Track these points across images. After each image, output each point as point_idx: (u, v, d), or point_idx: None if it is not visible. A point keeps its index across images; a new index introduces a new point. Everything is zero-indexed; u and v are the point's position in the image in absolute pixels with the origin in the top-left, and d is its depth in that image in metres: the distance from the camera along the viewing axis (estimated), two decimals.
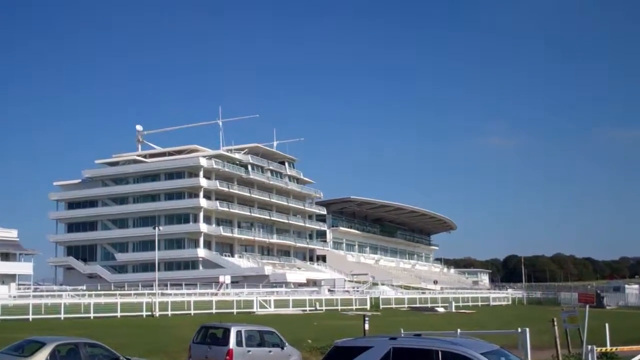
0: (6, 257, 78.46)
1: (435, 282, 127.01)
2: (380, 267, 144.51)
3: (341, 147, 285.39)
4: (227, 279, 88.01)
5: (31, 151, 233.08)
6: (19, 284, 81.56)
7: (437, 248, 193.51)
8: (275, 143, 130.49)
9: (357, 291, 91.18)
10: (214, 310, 55.79)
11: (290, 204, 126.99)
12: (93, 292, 73.71)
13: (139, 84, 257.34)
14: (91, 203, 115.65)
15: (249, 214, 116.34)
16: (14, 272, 77.93)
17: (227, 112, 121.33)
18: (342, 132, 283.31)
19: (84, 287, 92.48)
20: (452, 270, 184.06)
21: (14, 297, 69.11)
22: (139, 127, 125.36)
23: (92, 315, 48.98)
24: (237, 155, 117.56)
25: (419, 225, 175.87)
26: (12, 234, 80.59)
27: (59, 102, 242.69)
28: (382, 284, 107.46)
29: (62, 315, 47.43)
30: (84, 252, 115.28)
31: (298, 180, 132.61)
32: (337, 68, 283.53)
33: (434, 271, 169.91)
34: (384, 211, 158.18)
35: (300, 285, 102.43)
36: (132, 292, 79.48)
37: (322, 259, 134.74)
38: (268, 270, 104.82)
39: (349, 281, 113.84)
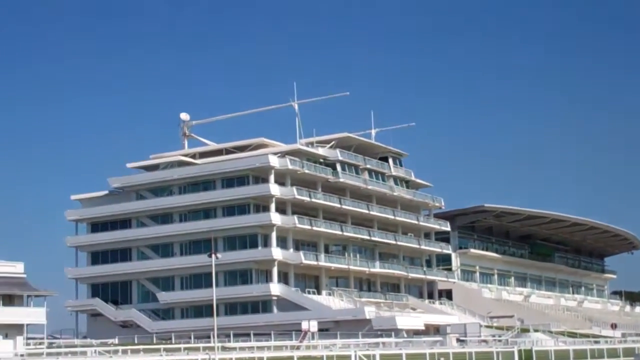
0: (10, 300, 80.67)
1: (614, 326, 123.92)
2: (531, 306, 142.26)
3: (468, 135, 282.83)
4: (313, 326, 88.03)
5: (39, 156, 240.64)
6: (27, 338, 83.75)
7: (614, 277, 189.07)
8: (373, 131, 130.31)
9: (499, 341, 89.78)
10: None
11: (397, 218, 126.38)
12: (128, 347, 75.01)
13: (181, 58, 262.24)
14: (122, 223, 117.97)
15: (339, 232, 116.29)
16: (20, 322, 79.99)
17: (303, 91, 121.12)
18: (469, 114, 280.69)
19: (116, 341, 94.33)
20: (639, 309, 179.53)
21: (22, 355, 70.99)
22: (184, 116, 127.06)
23: None
24: (320, 151, 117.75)
25: (587, 244, 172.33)
26: (16, 269, 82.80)
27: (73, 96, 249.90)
28: (536, 330, 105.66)
29: None
30: (115, 292, 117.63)
31: (408, 184, 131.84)
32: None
33: (610, 310, 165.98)
34: (535, 224, 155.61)
35: (417, 333, 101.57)
36: (182, 345, 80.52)
37: (447, 295, 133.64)
38: (369, 312, 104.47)
39: (487, 326, 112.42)
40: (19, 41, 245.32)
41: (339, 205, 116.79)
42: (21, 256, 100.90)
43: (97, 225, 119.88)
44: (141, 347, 76.82)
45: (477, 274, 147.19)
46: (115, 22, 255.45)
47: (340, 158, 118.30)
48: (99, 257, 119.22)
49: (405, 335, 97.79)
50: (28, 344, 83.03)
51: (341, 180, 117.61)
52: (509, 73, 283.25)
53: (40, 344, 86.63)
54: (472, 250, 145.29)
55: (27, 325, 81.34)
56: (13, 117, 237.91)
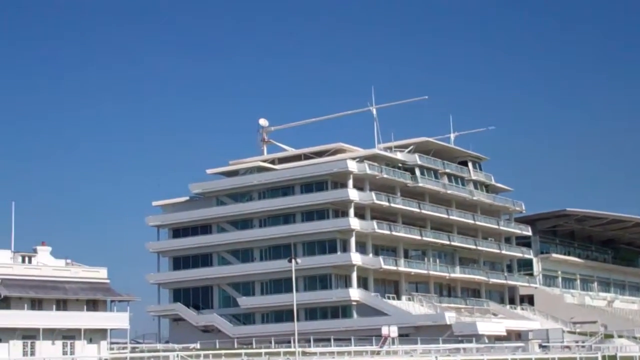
0: (94, 305, 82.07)
1: None
2: (615, 312, 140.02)
3: (548, 138, 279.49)
4: (393, 331, 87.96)
5: (121, 163, 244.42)
6: (111, 343, 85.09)
7: None
8: (452, 135, 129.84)
9: (583, 347, 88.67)
10: None
11: (477, 222, 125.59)
12: (210, 352, 75.73)
13: (259, 64, 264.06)
14: (203, 228, 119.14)
15: (419, 237, 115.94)
16: (104, 327, 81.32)
17: (381, 96, 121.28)
18: (550, 116, 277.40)
19: (197, 345, 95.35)
20: None
21: None
22: (263, 122, 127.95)
23: None
24: (399, 155, 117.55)
25: None
26: (100, 275, 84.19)
27: (149, 97, 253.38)
28: (620, 336, 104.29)
29: None
30: (196, 297, 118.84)
31: (488, 188, 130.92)
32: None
33: None
34: (618, 228, 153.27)
35: (498, 339, 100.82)
36: (263, 350, 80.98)
37: (529, 300, 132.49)
38: (450, 318, 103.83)
39: (569, 332, 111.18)
40: (100, 40, 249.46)
41: (418, 210, 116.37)
42: (104, 262, 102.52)
43: (179, 231, 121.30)
44: (223, 351, 77.50)
45: (560, 279, 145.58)
46: (195, 29, 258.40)
47: (419, 162, 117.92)
48: (180, 262, 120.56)
49: (487, 341, 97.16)
50: (111, 349, 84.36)
51: (420, 184, 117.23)
52: (588, 73, 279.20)
53: (123, 348, 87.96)
54: (554, 255, 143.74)
55: (111, 330, 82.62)
56: (97, 123, 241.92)
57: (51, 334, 77.77)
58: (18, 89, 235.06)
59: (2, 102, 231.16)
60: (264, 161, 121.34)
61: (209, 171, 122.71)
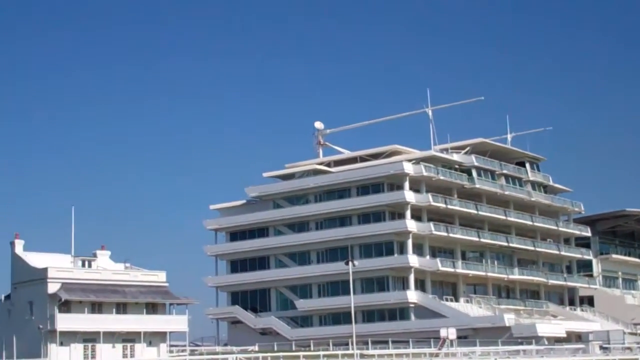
0: (153, 308, 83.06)
1: None
2: None
3: (607, 138, 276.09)
4: (452, 333, 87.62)
5: (179, 167, 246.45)
6: (170, 345, 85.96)
7: None
8: (509, 136, 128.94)
9: None
10: None
11: (536, 223, 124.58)
12: (268, 354, 76.06)
13: (314, 67, 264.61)
14: (260, 231, 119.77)
15: (476, 239, 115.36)
16: (164, 329, 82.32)
17: (437, 97, 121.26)
18: (607, 116, 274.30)
19: (256, 348, 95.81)
20: None
21: None
22: (319, 125, 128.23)
23: None
24: (455, 157, 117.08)
25: None
26: (159, 278, 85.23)
27: (206, 101, 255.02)
28: None
29: None
30: (254, 299, 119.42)
31: (546, 189, 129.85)
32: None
33: None
34: None
35: (558, 340, 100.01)
36: (321, 352, 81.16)
37: (588, 301, 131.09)
38: (509, 319, 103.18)
39: (631, 334, 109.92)
40: (169, 40, 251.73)
41: (475, 212, 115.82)
42: (163, 265, 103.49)
43: (236, 234, 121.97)
44: (281, 354, 77.81)
45: (620, 279, 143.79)
46: (253, 31, 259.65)
47: (476, 164, 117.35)
48: (238, 265, 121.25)
49: (547, 343, 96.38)
50: (171, 351, 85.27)
51: (477, 186, 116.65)
52: None
53: (182, 351, 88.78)
54: (614, 256, 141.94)
55: (170, 332, 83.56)
56: (155, 128, 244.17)
57: (111, 337, 78.88)
58: (79, 97, 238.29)
59: (63, 110, 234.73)
60: (320, 164, 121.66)
61: (265, 174, 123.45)
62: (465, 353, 77.11)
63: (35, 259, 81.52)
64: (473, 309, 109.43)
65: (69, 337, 77.03)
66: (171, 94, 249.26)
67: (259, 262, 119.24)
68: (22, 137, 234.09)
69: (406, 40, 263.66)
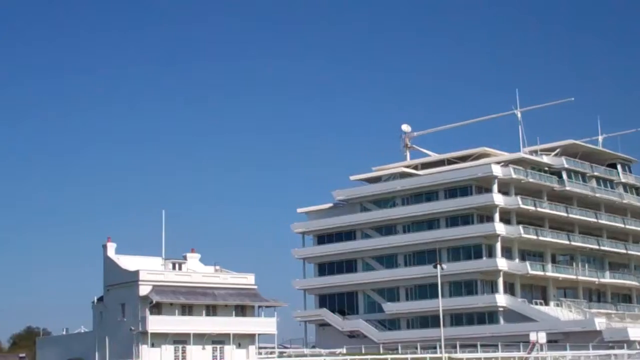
0: (242, 311, 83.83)
1: None
2: None
3: None
4: (541, 337, 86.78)
5: (264, 170, 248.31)
6: (259, 347, 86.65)
7: None
8: (600, 138, 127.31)
9: None
10: None
11: (628, 226, 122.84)
12: (356, 357, 76.27)
13: (399, 69, 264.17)
14: (347, 235, 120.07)
15: (567, 242, 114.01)
16: (253, 332, 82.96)
17: (525, 99, 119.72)
18: None
19: (344, 350, 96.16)
20: None
21: None
22: (405, 128, 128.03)
23: None
24: (545, 159, 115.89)
25: None
26: (248, 280, 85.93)
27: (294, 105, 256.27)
28: None
29: None
30: (341, 302, 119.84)
31: (638, 191, 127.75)
32: None
33: None
34: None
35: None
36: (409, 355, 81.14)
37: None
38: (600, 323, 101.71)
39: None
40: (243, 41, 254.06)
41: (565, 214, 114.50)
42: (251, 268, 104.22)
43: (323, 237, 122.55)
44: (369, 357, 77.96)
45: None
46: (332, 33, 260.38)
47: (566, 166, 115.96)
48: (325, 268, 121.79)
49: (638, 347, 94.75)
50: (259, 353, 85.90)
51: (567, 188, 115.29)
52: None
53: (271, 353, 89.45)
54: None
55: (259, 334, 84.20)
56: (243, 131, 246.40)
57: (201, 339, 79.82)
58: (168, 98, 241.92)
59: (154, 112, 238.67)
60: (407, 167, 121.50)
61: (352, 178, 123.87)
62: (555, 357, 76.30)
63: (127, 262, 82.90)
64: (563, 313, 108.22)
65: (160, 339, 78.13)
66: (257, 94, 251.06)
67: (347, 265, 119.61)
68: (114, 142, 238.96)
69: (495, 41, 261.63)
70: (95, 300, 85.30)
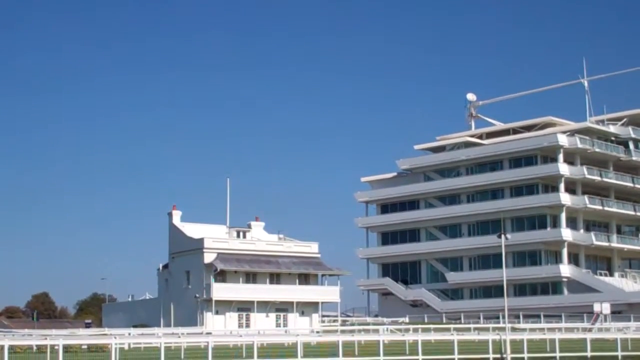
0: (305, 279, 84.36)
1: None
2: None
3: None
4: (605, 308, 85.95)
5: (327, 139, 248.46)
6: (322, 315, 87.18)
7: None
8: None
9: None
10: (588, 354, 54.69)
11: None
12: (419, 326, 76.25)
13: (465, 39, 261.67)
14: (411, 204, 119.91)
15: (632, 213, 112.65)
16: (316, 300, 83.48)
17: (593, 67, 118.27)
18: None
19: (406, 319, 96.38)
20: None
21: (318, 332, 74.01)
22: (471, 97, 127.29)
23: (420, 357, 50.48)
24: (611, 128, 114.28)
25: None
26: (312, 249, 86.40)
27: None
28: None
29: (382, 358, 49.54)
30: (404, 272, 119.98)
31: None
32: None
33: None
34: None
35: None
36: (472, 325, 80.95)
37: None
38: None
39: None
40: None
41: (632, 185, 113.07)
42: (314, 237, 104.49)
43: (387, 207, 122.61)
44: (431, 326, 77.87)
45: None
46: (409, 12, 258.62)
47: (633, 136, 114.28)
48: (388, 237, 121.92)
49: None
50: (323, 321, 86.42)
51: (634, 158, 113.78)
52: None
53: (334, 321, 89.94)
54: None
55: (322, 303, 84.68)
56: (308, 101, 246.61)
57: (265, 306, 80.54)
58: (234, 71, 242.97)
59: (218, 85, 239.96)
60: (472, 136, 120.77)
61: (416, 147, 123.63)
62: (619, 328, 75.22)
63: (192, 230, 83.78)
64: (628, 284, 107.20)
65: (224, 306, 78.98)
66: (322, 64, 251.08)
67: (410, 235, 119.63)
68: (181, 113, 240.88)
69: (562, 10, 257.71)
70: (161, 268, 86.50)
